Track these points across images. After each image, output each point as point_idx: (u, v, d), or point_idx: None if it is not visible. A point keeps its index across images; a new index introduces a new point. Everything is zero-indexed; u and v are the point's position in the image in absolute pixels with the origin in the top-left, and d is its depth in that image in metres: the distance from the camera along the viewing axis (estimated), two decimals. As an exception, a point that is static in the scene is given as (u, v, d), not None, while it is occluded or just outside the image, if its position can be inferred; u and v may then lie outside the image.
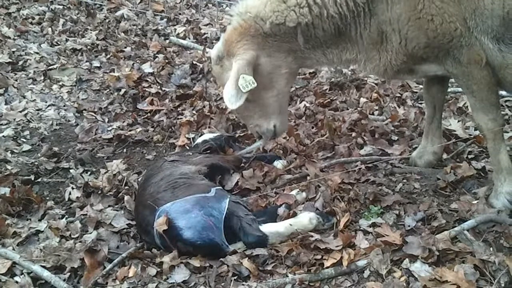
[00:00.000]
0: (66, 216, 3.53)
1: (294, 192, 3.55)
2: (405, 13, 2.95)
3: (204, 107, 5.00)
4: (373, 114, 4.85)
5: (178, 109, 5.07)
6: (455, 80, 3.27)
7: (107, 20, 7.41)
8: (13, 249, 3.16)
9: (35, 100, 5.26)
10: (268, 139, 3.73)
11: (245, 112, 3.55)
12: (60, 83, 5.68)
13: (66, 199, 3.77)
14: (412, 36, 3.00)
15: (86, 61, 6.20)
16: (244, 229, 3.07)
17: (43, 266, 2.99)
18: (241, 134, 4.52)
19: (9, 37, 6.64)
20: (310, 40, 3.21)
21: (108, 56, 6.37)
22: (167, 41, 6.80)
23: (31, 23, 7.30)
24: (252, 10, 3.20)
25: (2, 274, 2.95)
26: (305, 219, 3.19)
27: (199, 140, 4.24)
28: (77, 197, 3.74)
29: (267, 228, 3.12)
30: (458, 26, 2.94)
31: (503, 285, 2.67)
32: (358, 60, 3.27)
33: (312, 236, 3.08)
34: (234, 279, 2.86)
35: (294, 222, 3.18)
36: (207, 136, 4.28)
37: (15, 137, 4.57)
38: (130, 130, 4.73)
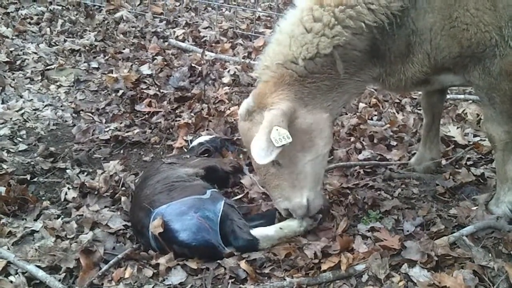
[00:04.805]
0: (62, 216, 3.49)
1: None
2: (439, 22, 2.78)
3: (202, 109, 4.97)
4: (372, 119, 4.85)
5: (176, 111, 5.04)
6: (476, 91, 3.11)
7: (106, 22, 7.41)
8: (8, 249, 3.12)
9: (32, 100, 5.23)
10: (301, 217, 3.13)
11: (273, 180, 3.01)
12: (58, 83, 5.64)
13: (62, 199, 3.74)
14: (445, 46, 2.83)
15: (84, 62, 6.18)
16: (235, 233, 3.06)
17: (38, 266, 2.97)
18: (239, 137, 4.48)
19: (7, 37, 6.62)
20: (348, 66, 2.89)
21: (107, 57, 6.35)
22: (166, 43, 6.79)
23: (29, 23, 7.29)
24: (278, 57, 2.86)
25: (-4, 273, 2.93)
26: (295, 222, 3.17)
27: (195, 142, 4.22)
28: (73, 198, 3.71)
29: (258, 232, 3.10)
30: (494, 35, 2.79)
31: (502, 291, 2.66)
32: (379, 76, 3.02)
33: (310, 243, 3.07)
34: (231, 282, 2.84)
35: (284, 226, 3.16)
36: (203, 138, 4.26)
37: (11, 137, 4.53)
38: (127, 131, 4.69)
